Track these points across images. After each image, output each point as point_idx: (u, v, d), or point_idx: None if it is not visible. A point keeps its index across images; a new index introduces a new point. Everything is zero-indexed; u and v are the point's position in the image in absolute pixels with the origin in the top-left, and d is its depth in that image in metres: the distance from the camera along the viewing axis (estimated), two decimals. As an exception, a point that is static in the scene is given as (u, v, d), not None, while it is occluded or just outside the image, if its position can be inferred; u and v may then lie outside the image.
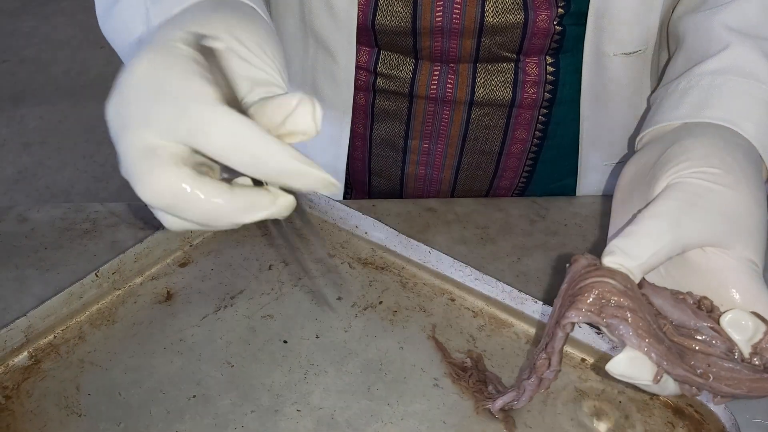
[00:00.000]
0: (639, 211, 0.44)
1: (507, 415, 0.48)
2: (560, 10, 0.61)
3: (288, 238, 0.41)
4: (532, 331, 0.54)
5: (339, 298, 0.56)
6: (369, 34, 0.65)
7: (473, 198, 0.70)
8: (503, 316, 0.55)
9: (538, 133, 0.69)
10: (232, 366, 0.51)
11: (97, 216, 0.66)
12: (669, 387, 0.41)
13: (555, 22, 0.62)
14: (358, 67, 0.67)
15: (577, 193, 0.75)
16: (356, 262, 0.60)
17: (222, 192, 0.35)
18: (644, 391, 0.49)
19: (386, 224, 0.60)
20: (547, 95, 0.66)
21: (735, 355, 0.41)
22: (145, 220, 0.65)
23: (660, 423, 0.48)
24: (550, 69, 0.65)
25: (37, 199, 2.09)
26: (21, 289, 0.59)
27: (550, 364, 0.44)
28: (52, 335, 0.53)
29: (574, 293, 0.41)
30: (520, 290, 0.55)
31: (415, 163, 0.73)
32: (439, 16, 0.61)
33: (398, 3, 0.62)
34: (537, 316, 0.54)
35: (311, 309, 0.56)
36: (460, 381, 0.50)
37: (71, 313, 0.54)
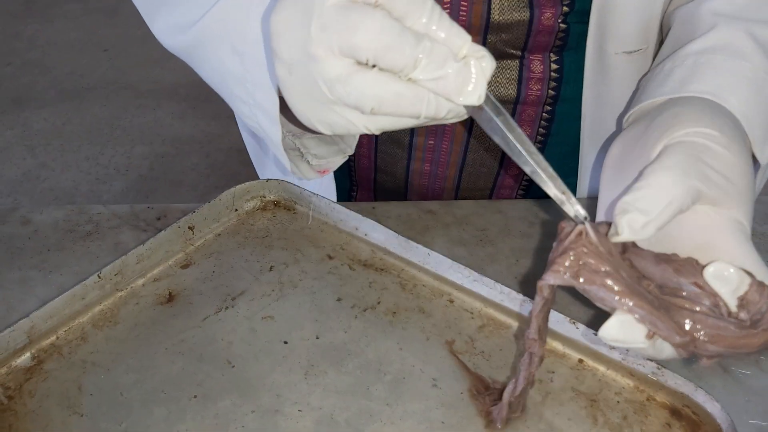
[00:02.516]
0: (645, 168, 0.43)
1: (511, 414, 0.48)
2: (565, 8, 0.61)
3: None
4: (531, 332, 0.55)
5: (339, 300, 0.57)
6: None
7: (473, 200, 0.71)
8: (502, 317, 0.55)
9: (541, 131, 0.69)
10: (233, 366, 0.52)
11: (100, 218, 0.67)
12: (665, 350, 0.41)
13: (559, 20, 0.62)
14: None
15: (577, 193, 0.75)
16: (356, 263, 0.60)
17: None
18: (641, 390, 0.50)
19: (386, 226, 0.61)
20: (551, 92, 0.67)
21: (721, 310, 0.40)
22: (147, 221, 0.66)
23: (657, 424, 0.48)
24: (554, 66, 0.66)
25: (40, 201, 2.10)
26: (24, 291, 0.59)
27: (529, 335, 0.44)
28: (55, 336, 0.54)
29: (553, 258, 0.41)
30: (518, 292, 0.55)
31: (420, 160, 0.73)
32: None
33: None
34: (535, 317, 0.54)
35: (311, 310, 0.56)
36: (477, 397, 0.49)
37: (74, 314, 0.55)
